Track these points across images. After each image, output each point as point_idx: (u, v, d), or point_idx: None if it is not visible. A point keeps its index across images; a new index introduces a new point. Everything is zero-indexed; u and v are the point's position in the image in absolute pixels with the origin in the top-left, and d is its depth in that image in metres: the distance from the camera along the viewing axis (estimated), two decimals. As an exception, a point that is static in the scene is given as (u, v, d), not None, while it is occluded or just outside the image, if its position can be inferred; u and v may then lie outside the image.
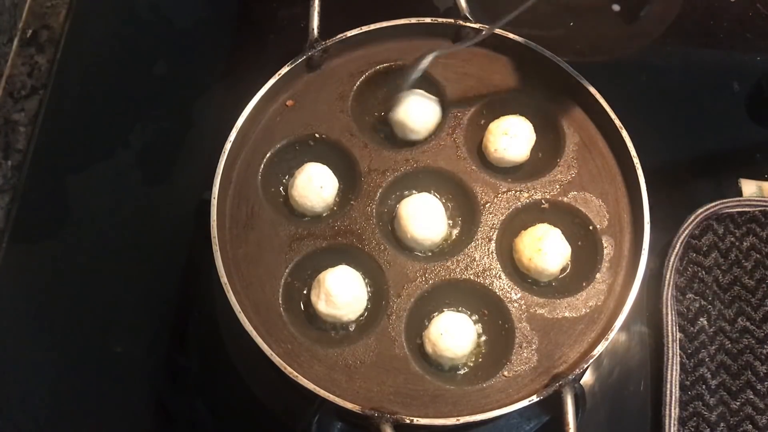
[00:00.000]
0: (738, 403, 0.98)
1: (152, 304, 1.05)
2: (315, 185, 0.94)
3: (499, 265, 0.93)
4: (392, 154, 0.98)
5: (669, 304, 1.01)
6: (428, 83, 1.02)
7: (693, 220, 1.05)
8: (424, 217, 0.93)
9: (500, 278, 0.92)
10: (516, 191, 0.97)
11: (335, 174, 0.97)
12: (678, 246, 1.04)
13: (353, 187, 0.97)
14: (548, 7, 1.26)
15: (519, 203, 0.96)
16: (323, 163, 0.97)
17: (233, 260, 0.91)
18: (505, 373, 0.88)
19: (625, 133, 0.96)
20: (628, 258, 0.93)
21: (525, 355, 0.89)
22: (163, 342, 1.03)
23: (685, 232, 1.04)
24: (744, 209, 1.07)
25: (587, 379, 1.00)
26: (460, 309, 0.93)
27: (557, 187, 0.97)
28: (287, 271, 0.92)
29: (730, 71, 1.21)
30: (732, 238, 1.06)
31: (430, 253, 0.95)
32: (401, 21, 1.03)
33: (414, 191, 0.98)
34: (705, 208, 1.06)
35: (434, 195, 0.97)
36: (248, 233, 0.93)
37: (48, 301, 1.05)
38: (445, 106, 1.01)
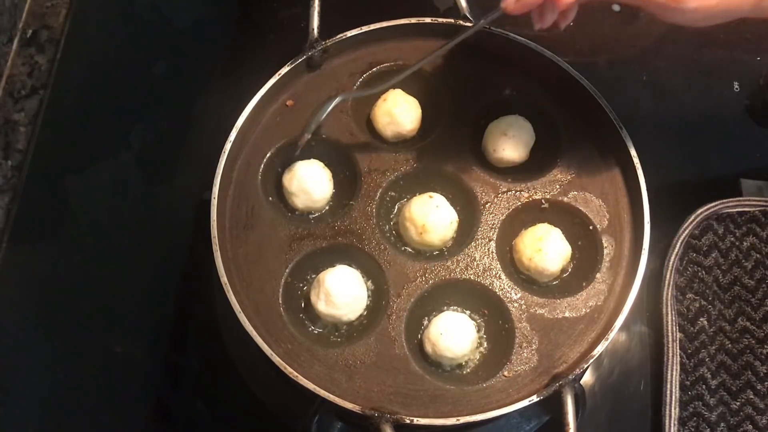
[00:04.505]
0: (738, 403, 0.98)
1: (152, 304, 1.05)
2: (308, 182, 0.94)
3: (499, 265, 0.93)
4: (392, 154, 0.98)
5: (669, 304, 1.01)
6: (429, 83, 1.02)
7: (693, 220, 1.05)
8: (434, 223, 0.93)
9: (500, 278, 0.92)
10: (516, 191, 0.97)
11: (335, 173, 0.97)
12: (678, 246, 1.04)
13: (353, 187, 0.97)
14: (548, 7, 1.26)
15: (519, 203, 0.96)
16: (324, 162, 0.97)
17: (233, 260, 0.91)
18: (505, 373, 0.88)
19: (625, 133, 0.96)
20: (628, 258, 0.93)
21: (525, 355, 0.89)
22: (163, 342, 1.03)
23: (685, 232, 1.04)
24: (744, 209, 1.07)
25: (587, 379, 1.00)
26: (460, 309, 0.93)
27: (557, 187, 0.97)
28: (287, 271, 0.92)
29: (730, 71, 1.21)
30: (732, 238, 1.06)
31: (431, 254, 0.95)
32: (401, 21, 1.03)
33: (414, 191, 0.98)
34: (705, 208, 1.05)
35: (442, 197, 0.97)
36: (248, 233, 0.93)
37: (48, 301, 1.05)
38: (445, 106, 1.01)
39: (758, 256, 1.05)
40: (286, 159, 0.98)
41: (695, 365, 0.99)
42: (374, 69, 1.03)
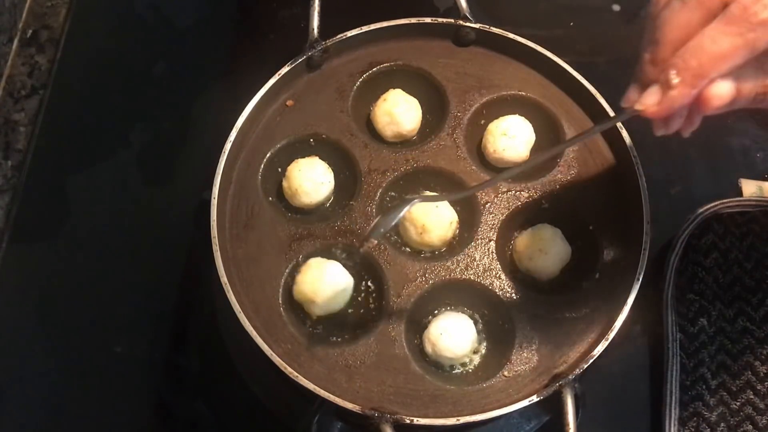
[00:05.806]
0: (738, 404, 0.97)
1: (152, 304, 1.05)
2: (308, 177, 0.94)
3: (499, 265, 0.93)
4: (392, 154, 0.98)
5: (669, 304, 1.01)
6: (428, 83, 1.03)
7: (693, 220, 1.05)
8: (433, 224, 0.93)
9: (500, 278, 0.92)
10: (516, 191, 0.97)
11: (335, 173, 0.97)
12: (678, 246, 1.04)
13: (353, 187, 0.97)
14: (548, 7, 1.26)
15: (519, 203, 0.96)
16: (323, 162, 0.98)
17: (233, 260, 0.91)
18: (505, 373, 0.88)
19: (625, 133, 0.96)
20: (628, 258, 0.93)
21: (525, 355, 0.89)
22: (163, 342, 1.03)
23: (685, 232, 1.04)
24: (744, 209, 1.07)
25: (587, 379, 1.00)
26: (460, 309, 0.93)
27: (557, 187, 0.97)
28: (287, 271, 0.92)
29: (730, 71, 1.21)
30: (732, 238, 1.06)
31: (431, 254, 0.95)
32: (401, 21, 1.03)
33: (414, 191, 0.97)
34: (705, 208, 1.05)
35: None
36: (248, 233, 0.93)
37: (48, 301, 1.05)
38: (445, 106, 1.01)
39: (758, 256, 1.05)
40: (286, 159, 0.98)
41: (695, 365, 0.99)
42: (374, 69, 1.03)
